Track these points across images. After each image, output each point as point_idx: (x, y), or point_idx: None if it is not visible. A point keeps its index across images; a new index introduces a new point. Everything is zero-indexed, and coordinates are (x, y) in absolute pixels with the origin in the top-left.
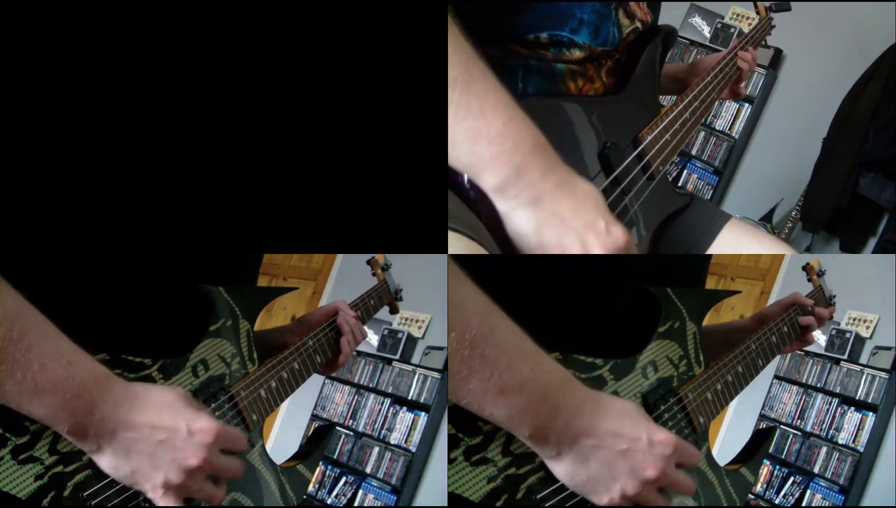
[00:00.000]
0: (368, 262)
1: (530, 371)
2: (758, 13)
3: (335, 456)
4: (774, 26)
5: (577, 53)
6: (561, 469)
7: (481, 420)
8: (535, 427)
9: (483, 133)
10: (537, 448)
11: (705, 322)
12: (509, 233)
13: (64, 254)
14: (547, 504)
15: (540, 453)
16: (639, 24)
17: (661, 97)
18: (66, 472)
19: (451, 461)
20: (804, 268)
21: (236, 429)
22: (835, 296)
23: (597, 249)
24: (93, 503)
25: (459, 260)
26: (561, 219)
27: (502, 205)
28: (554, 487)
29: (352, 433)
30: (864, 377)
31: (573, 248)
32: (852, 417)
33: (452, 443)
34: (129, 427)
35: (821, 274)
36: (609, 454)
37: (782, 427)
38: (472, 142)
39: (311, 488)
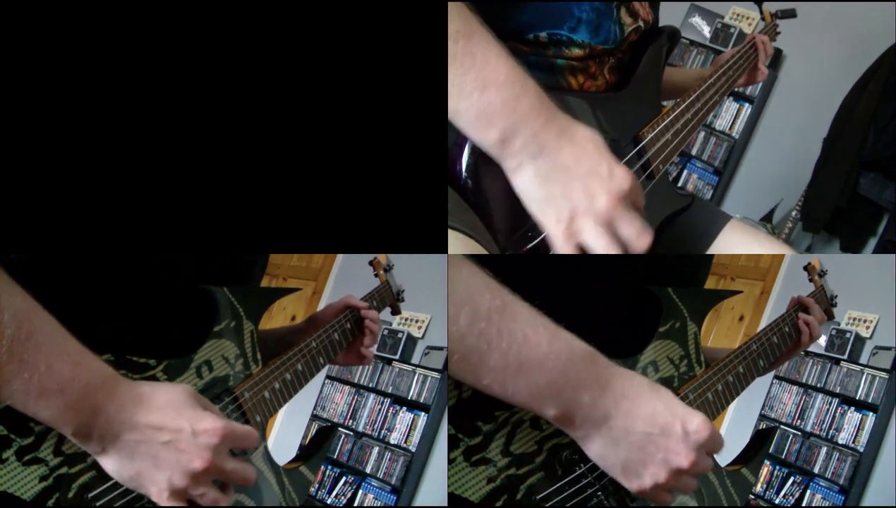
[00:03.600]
0: (371, 263)
1: (548, 345)
2: (763, 18)
3: (335, 456)
4: (780, 32)
5: (576, 52)
6: (593, 450)
7: (481, 419)
8: (560, 405)
9: (491, 79)
10: (567, 428)
11: (704, 324)
12: (516, 190)
13: (69, 253)
14: (547, 505)
15: (571, 434)
16: (641, 24)
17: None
18: (70, 473)
19: (450, 461)
20: (805, 268)
21: (245, 426)
22: (836, 296)
23: (602, 197)
24: (97, 504)
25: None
26: (566, 168)
27: (508, 162)
28: (554, 487)
29: (352, 433)
30: (864, 377)
31: (578, 198)
32: (852, 417)
33: (452, 444)
34: (132, 428)
35: (822, 274)
36: (638, 438)
37: (782, 427)
38: (481, 91)
39: (311, 488)
